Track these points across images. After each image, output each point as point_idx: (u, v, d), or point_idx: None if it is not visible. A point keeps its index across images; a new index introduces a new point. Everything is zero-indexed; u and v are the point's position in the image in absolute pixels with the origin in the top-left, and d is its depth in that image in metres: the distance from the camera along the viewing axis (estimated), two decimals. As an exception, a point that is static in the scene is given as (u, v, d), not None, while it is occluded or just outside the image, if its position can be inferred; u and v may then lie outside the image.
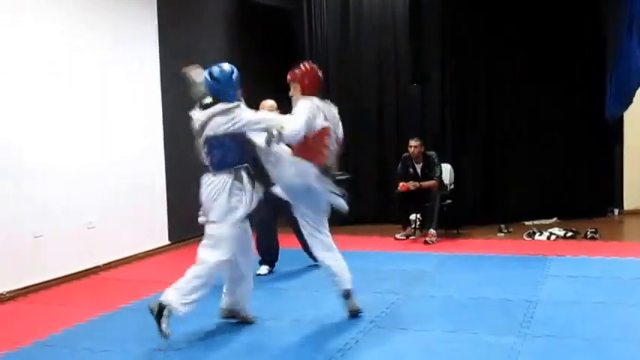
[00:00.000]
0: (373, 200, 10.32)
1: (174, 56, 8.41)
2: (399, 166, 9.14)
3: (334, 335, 5.08)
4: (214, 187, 5.00)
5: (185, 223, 8.25)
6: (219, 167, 5.02)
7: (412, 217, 9.18)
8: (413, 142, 8.92)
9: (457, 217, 9.24)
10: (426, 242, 8.62)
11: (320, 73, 5.53)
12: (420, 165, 9.01)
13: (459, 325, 5.25)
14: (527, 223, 9.52)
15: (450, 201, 9.01)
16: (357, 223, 9.74)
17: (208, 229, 5.08)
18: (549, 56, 9.59)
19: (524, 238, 8.79)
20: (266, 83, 9.82)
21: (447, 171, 9.32)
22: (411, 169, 9.01)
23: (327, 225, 5.49)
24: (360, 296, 5.59)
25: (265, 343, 5.04)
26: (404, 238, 9.03)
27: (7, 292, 6.44)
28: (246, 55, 9.60)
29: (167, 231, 8.80)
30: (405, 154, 9.05)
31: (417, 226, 9.15)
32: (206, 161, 5.09)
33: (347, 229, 8.98)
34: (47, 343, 5.18)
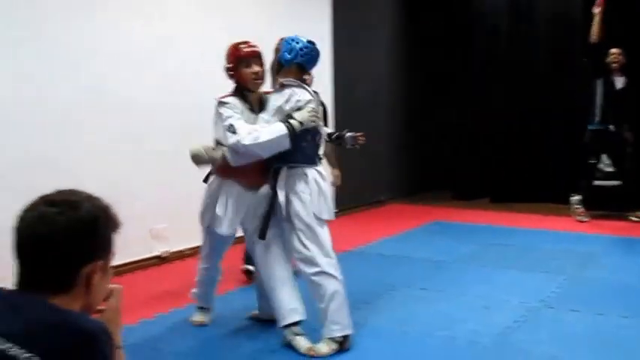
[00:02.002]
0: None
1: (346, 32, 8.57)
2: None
3: (502, 312, 5.05)
4: None
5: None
6: None
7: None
8: (614, 50, 8.29)
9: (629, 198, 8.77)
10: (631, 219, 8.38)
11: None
12: (622, 80, 8.41)
13: (634, 310, 5.08)
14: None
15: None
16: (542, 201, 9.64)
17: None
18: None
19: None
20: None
21: None
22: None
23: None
24: (528, 275, 5.53)
25: (428, 315, 5.05)
26: (587, 220, 8.66)
27: (188, 249, 6.86)
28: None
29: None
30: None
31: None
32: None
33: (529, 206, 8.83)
34: (226, 298, 5.44)
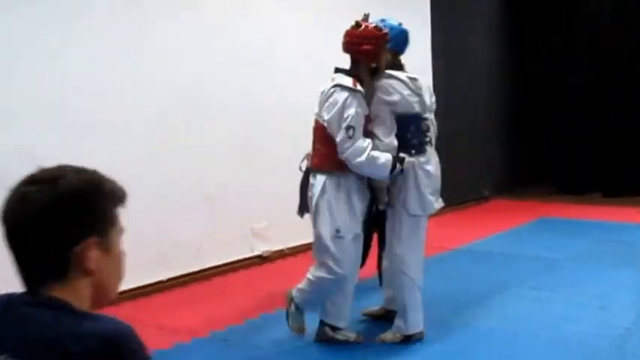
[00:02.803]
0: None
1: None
2: None
3: (619, 313, 4.80)
4: None
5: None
6: None
7: None
8: None
9: None
10: None
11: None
12: None
13: None
14: None
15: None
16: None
17: None
18: None
19: None
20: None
21: None
22: None
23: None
24: (629, 277, 5.27)
25: (540, 315, 4.85)
26: None
27: (288, 249, 6.86)
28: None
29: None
30: None
31: None
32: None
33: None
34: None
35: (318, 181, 4.15)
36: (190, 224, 5.97)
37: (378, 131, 4.15)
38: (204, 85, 6.19)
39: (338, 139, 3.98)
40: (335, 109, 3.99)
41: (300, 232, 6.88)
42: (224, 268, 6.23)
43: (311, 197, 4.21)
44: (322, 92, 4.15)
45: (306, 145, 6.86)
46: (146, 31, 5.72)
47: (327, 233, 4.13)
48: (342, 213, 4.12)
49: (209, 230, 6.13)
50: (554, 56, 10.37)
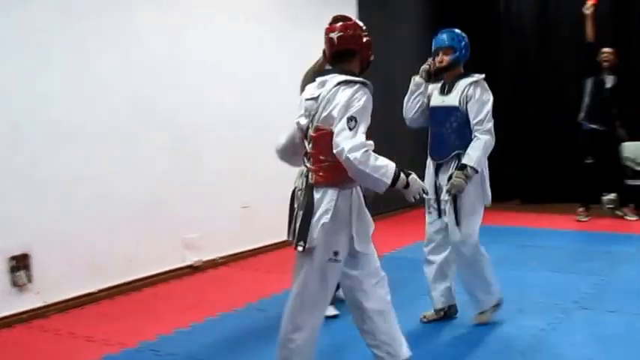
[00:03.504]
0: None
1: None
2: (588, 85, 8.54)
3: (535, 315, 5.02)
4: None
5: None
6: None
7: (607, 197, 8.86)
8: (606, 50, 8.34)
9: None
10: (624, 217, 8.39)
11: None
12: (612, 79, 8.44)
13: None
14: None
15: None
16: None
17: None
18: None
19: None
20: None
21: (638, 149, 8.90)
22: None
23: None
24: (562, 276, 5.51)
25: (461, 319, 5.00)
26: (585, 220, 8.66)
27: (220, 258, 6.94)
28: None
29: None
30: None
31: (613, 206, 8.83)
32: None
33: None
34: (258, 306, 5.52)
35: (329, 197, 3.47)
36: (121, 235, 5.99)
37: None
38: (138, 95, 6.20)
39: (336, 130, 3.31)
40: (342, 104, 3.37)
41: (230, 241, 7.04)
42: (155, 278, 6.26)
43: (320, 217, 3.47)
44: (318, 97, 3.51)
45: (243, 155, 7.03)
46: (75, 39, 5.72)
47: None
48: (362, 230, 3.60)
49: (140, 241, 6.16)
50: (479, 62, 10.56)
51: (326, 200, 3.46)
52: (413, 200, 3.43)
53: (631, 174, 8.71)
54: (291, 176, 7.59)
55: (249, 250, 7.28)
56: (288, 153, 3.86)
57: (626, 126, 8.64)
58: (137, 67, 6.16)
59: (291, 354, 3.56)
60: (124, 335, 4.86)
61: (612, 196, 8.91)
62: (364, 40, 3.61)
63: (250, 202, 7.26)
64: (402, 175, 3.32)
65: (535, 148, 9.97)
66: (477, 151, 4.49)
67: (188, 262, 6.66)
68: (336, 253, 3.52)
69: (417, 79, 4.77)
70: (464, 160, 4.50)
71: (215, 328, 5.01)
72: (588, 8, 8.01)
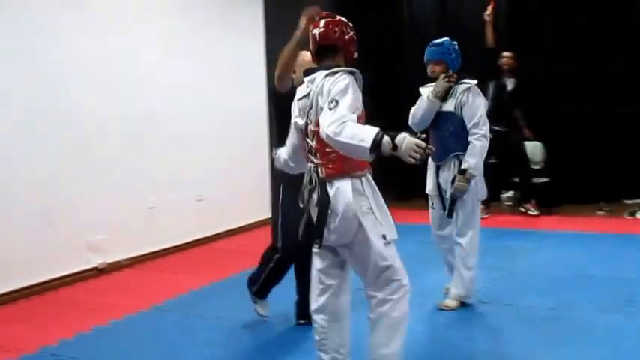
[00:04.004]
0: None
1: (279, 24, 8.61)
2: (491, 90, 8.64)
3: (435, 309, 5.19)
4: None
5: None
6: None
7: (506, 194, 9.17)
8: (506, 54, 8.60)
9: (555, 195, 9.15)
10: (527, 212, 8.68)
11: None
12: (513, 82, 8.73)
13: (562, 302, 5.26)
14: (627, 201, 9.29)
15: (545, 179, 8.94)
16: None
17: None
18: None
19: (625, 216, 8.65)
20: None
21: (536, 148, 9.26)
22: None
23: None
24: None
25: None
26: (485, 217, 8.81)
27: (125, 260, 6.85)
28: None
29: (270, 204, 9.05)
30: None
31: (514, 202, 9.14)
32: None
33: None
34: (164, 307, 5.50)
35: (343, 188, 3.43)
36: (22, 237, 5.85)
37: None
38: (41, 92, 6.06)
39: (320, 119, 3.29)
40: (326, 92, 3.34)
41: (136, 242, 6.97)
42: (59, 281, 6.13)
43: (340, 210, 3.41)
44: (309, 93, 3.51)
45: (149, 155, 6.97)
46: None
47: (379, 244, 3.50)
48: (385, 217, 3.55)
49: (42, 243, 6.02)
50: (387, 61, 10.70)
51: (342, 191, 3.42)
52: (414, 161, 3.13)
53: (532, 172, 9.03)
54: (197, 177, 7.69)
55: (155, 252, 7.21)
56: (296, 161, 3.79)
57: (531, 126, 8.99)
58: (36, 65, 6.02)
59: None
60: (24, 340, 4.76)
61: (510, 193, 9.25)
62: (347, 36, 3.62)
63: (156, 203, 7.21)
64: (386, 138, 3.08)
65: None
66: (475, 158, 4.94)
67: (92, 265, 6.54)
68: (384, 236, 3.50)
69: (434, 100, 5.03)
70: (464, 166, 4.96)
71: (119, 331, 4.96)
72: (489, 15, 8.22)
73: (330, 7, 10.32)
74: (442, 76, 5.02)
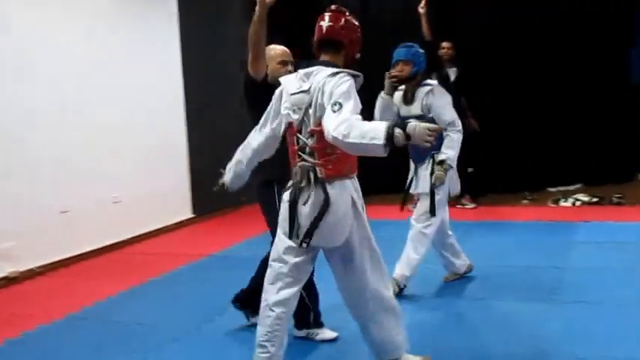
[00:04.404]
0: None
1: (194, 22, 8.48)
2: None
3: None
4: None
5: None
6: None
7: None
8: (445, 44, 8.59)
9: (481, 185, 9.19)
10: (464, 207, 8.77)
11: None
12: (455, 71, 8.72)
13: (486, 292, 5.29)
14: (551, 189, 9.44)
15: (471, 169, 8.95)
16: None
17: None
18: (573, 23, 9.36)
19: (550, 204, 8.74)
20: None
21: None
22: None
23: None
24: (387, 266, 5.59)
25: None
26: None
27: (38, 267, 6.55)
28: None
29: (191, 204, 8.87)
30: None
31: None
32: None
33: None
34: (80, 316, 5.26)
35: (343, 189, 3.49)
36: None
37: None
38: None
39: (323, 118, 3.29)
40: (327, 93, 3.34)
41: (49, 249, 6.68)
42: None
43: (340, 210, 3.46)
44: (308, 89, 3.47)
45: (59, 156, 6.69)
46: None
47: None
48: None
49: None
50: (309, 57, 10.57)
51: (344, 191, 3.49)
52: (429, 145, 3.14)
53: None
54: (113, 178, 7.44)
55: (71, 258, 6.92)
56: (266, 152, 3.86)
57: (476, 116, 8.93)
58: None
59: None
60: None
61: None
62: (354, 36, 3.60)
63: (69, 207, 6.92)
64: (397, 129, 3.07)
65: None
66: (452, 150, 5.15)
67: (2, 274, 6.24)
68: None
69: (384, 96, 5.16)
70: (442, 157, 5.15)
71: (31, 343, 4.72)
72: (422, 7, 8.15)
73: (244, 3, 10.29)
74: (386, 74, 5.14)
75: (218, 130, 9.03)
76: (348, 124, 3.13)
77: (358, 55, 3.66)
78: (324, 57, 3.57)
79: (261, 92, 4.07)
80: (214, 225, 8.76)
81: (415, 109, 5.23)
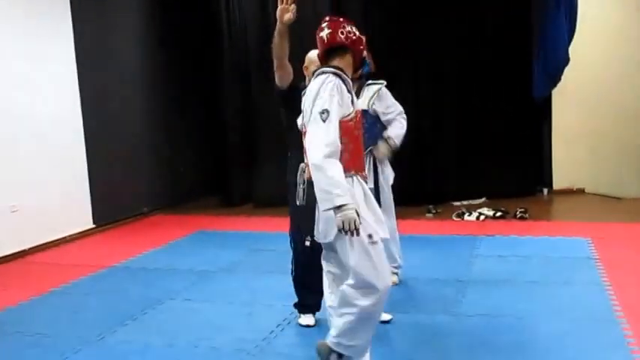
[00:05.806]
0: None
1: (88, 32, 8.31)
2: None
3: (266, 317, 5.15)
4: None
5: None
6: None
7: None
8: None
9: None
10: None
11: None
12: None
13: (388, 305, 5.16)
14: (455, 203, 9.50)
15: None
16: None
17: None
18: (477, 40, 9.53)
19: (454, 218, 8.75)
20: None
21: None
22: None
23: None
24: (278, 283, 5.61)
25: (194, 326, 5.03)
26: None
27: None
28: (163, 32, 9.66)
29: (91, 213, 8.64)
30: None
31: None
32: None
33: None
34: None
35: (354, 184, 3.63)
36: None
37: None
38: None
39: (308, 124, 3.51)
40: (313, 92, 3.53)
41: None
42: None
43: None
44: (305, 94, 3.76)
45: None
46: None
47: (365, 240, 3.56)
48: (369, 215, 3.64)
49: None
50: (213, 64, 10.50)
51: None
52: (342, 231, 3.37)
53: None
54: (10, 186, 7.19)
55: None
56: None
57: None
58: None
59: None
60: None
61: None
62: (354, 37, 3.75)
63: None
64: (348, 212, 3.32)
65: (268, 152, 9.80)
66: (399, 129, 5.47)
67: None
68: (370, 236, 3.57)
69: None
70: (388, 133, 5.46)
71: None
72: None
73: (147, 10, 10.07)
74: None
75: (120, 139, 8.89)
76: (331, 158, 3.37)
77: (365, 53, 3.87)
78: (332, 64, 3.71)
79: (289, 99, 4.41)
80: (115, 235, 8.57)
81: (362, 104, 5.13)
